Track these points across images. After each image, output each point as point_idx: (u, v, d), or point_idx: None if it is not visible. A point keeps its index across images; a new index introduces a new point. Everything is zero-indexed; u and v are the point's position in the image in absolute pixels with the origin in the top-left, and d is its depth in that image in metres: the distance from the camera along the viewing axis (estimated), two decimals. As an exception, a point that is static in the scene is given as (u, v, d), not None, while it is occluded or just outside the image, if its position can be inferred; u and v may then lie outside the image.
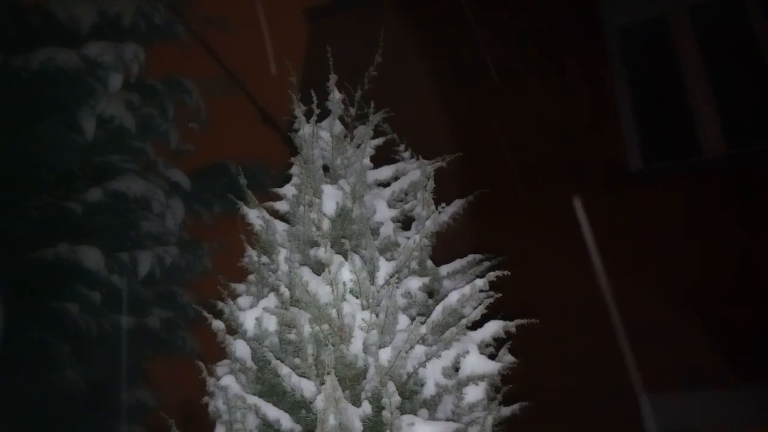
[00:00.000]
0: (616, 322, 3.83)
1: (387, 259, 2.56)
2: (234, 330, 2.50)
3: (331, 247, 2.33)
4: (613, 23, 5.17)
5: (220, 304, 2.58)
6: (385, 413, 1.91)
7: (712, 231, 3.89)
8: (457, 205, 2.89)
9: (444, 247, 2.83)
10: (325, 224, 2.56)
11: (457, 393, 2.26)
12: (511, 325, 2.30)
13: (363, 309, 2.33)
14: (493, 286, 2.26)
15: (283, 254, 2.57)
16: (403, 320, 2.33)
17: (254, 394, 2.27)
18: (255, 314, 2.45)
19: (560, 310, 3.83)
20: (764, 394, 3.30)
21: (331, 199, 2.70)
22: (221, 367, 2.58)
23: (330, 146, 2.99)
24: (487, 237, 3.54)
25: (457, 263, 2.84)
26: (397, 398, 1.92)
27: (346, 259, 2.37)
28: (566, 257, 4.13)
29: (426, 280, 2.51)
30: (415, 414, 2.18)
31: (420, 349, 2.19)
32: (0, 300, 5.72)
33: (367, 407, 2.08)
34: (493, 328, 2.35)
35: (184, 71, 8.12)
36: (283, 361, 2.25)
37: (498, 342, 2.39)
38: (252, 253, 2.72)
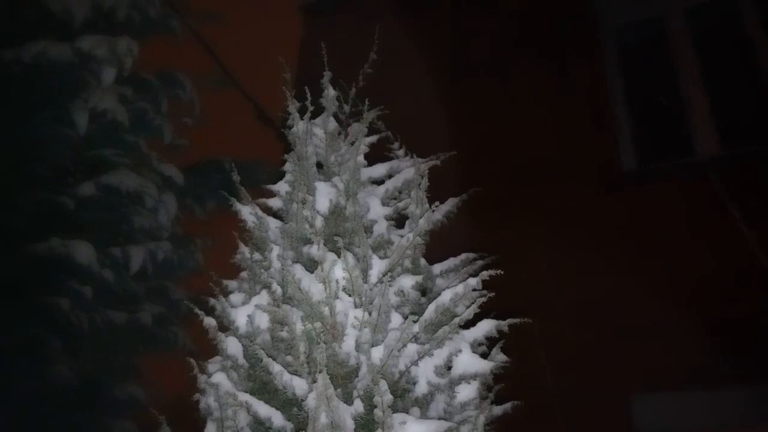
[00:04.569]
0: (611, 321, 3.83)
1: (380, 257, 2.56)
2: (226, 327, 2.50)
3: (324, 245, 2.32)
4: (609, 23, 5.17)
5: (212, 301, 2.57)
6: (377, 411, 1.90)
7: (707, 231, 3.90)
8: (451, 203, 2.88)
9: (438, 246, 2.82)
10: (318, 222, 2.55)
11: (449, 392, 2.26)
12: (504, 324, 2.30)
13: (356, 307, 2.32)
14: (486, 285, 2.26)
15: (275, 251, 2.56)
16: (395, 318, 2.33)
17: (246, 392, 2.26)
18: (247, 311, 2.44)
19: (553, 310, 3.83)
20: (764, 394, 3.30)
21: (324, 196, 2.69)
22: (213, 364, 2.57)
23: (324, 143, 2.98)
24: (480, 236, 3.54)
25: (451, 262, 2.84)
26: (389, 396, 1.92)
27: (339, 257, 2.36)
28: (560, 256, 4.13)
29: (419, 278, 2.51)
30: (407, 412, 2.18)
31: (412, 348, 2.19)
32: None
33: (359, 405, 2.08)
34: (486, 327, 2.35)
35: (178, 66, 8.08)
36: (275, 359, 2.25)
37: (491, 341, 2.39)
38: (244, 250, 2.70)
